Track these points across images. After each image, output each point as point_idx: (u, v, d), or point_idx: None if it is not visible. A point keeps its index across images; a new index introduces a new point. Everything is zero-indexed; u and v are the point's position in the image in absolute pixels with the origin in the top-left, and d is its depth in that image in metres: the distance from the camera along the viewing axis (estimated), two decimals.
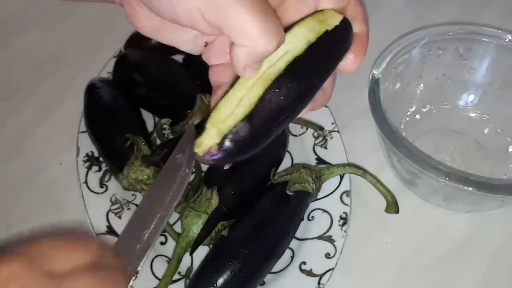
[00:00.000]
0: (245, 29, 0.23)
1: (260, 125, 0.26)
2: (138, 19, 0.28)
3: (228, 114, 0.26)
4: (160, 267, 0.44)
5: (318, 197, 0.47)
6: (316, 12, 0.28)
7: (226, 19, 0.23)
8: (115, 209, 0.48)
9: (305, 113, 0.29)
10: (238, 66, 0.25)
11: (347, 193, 0.47)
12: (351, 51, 0.29)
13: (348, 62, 0.29)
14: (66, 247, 0.25)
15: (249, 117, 0.25)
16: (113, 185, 0.49)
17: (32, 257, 0.23)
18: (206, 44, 0.30)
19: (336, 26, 0.27)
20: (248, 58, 0.25)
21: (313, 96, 0.28)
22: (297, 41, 0.26)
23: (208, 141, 0.26)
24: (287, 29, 0.27)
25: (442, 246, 0.46)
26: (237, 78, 0.27)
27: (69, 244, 0.25)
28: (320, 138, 0.51)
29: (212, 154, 0.26)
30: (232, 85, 0.27)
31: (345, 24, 0.28)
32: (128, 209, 0.48)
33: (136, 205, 0.48)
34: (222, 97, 0.27)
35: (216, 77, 0.30)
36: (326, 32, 0.27)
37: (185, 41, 0.29)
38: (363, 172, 0.47)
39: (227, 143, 0.25)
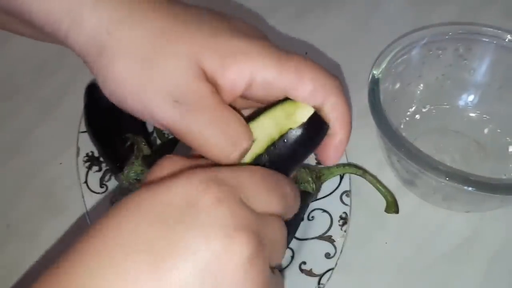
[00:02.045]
0: (203, 146, 0.24)
1: None
2: None
3: None
4: None
5: (318, 197, 0.47)
6: (288, 99, 0.26)
7: (190, 139, 0.24)
8: None
9: None
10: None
11: (347, 193, 0.47)
12: (327, 150, 0.27)
13: (323, 158, 0.28)
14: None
15: None
16: (113, 185, 0.49)
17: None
18: None
19: (303, 124, 0.25)
20: (219, 160, 0.25)
21: None
22: (261, 135, 0.25)
23: None
24: (256, 113, 0.26)
25: (442, 246, 0.46)
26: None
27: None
28: None
29: None
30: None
31: (313, 123, 0.25)
32: None
33: None
34: None
35: None
36: (290, 130, 0.25)
37: None
38: (363, 172, 0.47)
39: None
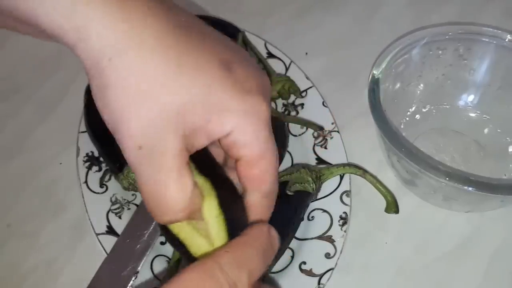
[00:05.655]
0: (144, 196, 0.25)
1: None
2: None
3: None
4: (160, 267, 0.44)
5: (318, 197, 0.47)
6: None
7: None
8: (115, 209, 0.48)
9: None
10: None
11: (347, 193, 0.47)
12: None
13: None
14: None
15: None
16: (113, 185, 0.49)
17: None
18: None
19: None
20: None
21: None
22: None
23: None
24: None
25: (442, 246, 0.46)
26: None
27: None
28: (320, 138, 0.51)
29: None
30: None
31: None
32: (128, 209, 0.48)
33: (136, 205, 0.48)
34: None
35: None
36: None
37: None
38: (363, 172, 0.47)
39: None
